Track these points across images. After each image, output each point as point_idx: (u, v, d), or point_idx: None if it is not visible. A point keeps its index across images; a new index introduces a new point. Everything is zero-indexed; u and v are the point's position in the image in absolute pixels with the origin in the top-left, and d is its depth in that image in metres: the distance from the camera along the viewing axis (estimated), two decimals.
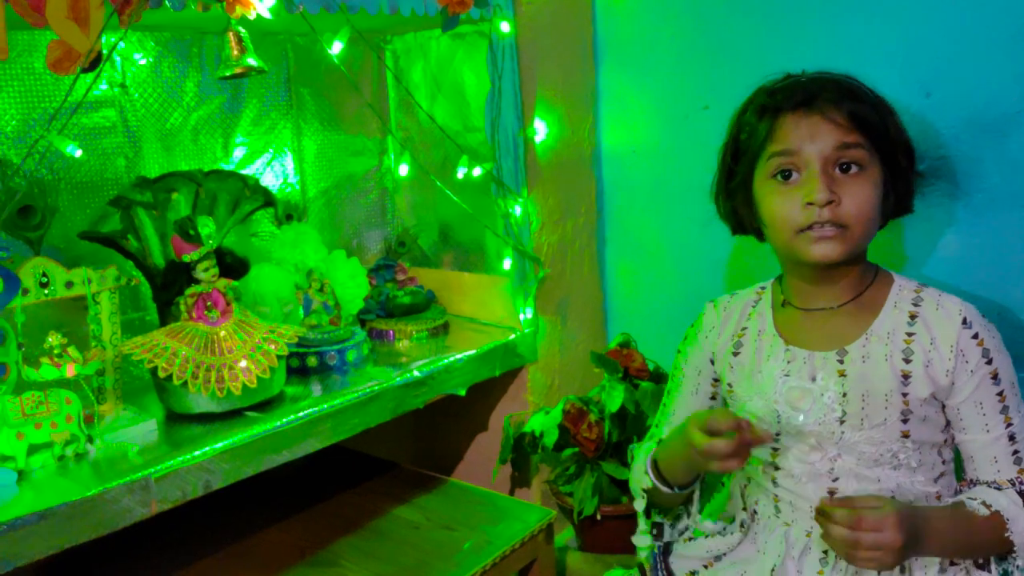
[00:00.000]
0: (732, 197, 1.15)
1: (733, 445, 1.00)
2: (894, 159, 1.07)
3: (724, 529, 1.20)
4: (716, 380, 1.22)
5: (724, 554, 1.17)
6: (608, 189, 1.82)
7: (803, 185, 1.03)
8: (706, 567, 1.18)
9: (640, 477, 1.19)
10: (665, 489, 1.15)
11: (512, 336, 1.62)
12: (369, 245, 1.88)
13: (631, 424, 1.55)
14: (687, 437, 1.05)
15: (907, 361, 1.04)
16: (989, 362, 1.03)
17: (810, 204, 1.02)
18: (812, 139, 1.03)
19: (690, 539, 1.22)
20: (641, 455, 1.21)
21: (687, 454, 1.07)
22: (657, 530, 1.23)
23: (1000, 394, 1.03)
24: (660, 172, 1.72)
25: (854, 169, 1.03)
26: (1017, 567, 1.05)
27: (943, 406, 1.06)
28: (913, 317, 1.06)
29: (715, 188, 1.19)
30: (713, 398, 1.24)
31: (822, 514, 0.98)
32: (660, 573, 1.21)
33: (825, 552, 1.08)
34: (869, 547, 0.95)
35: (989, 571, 1.05)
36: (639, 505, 1.21)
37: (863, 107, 1.04)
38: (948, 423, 1.07)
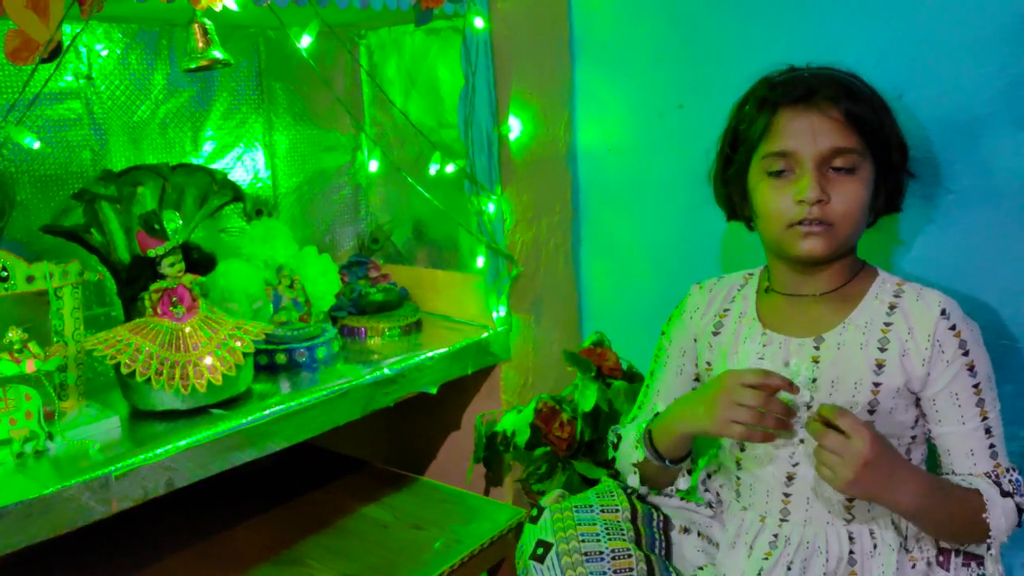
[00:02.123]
0: (728, 184, 1.18)
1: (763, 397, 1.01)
2: (887, 157, 1.09)
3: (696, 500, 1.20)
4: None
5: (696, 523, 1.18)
6: (584, 187, 1.81)
7: (796, 182, 1.05)
8: (686, 531, 1.18)
9: (630, 452, 1.19)
10: (657, 462, 1.15)
11: (485, 334, 1.61)
12: (342, 242, 1.86)
13: (604, 423, 1.54)
14: (723, 380, 1.04)
15: (882, 350, 1.05)
16: (966, 354, 1.04)
17: (801, 201, 1.04)
18: (808, 139, 1.04)
19: (669, 496, 1.21)
20: (630, 431, 1.22)
21: (693, 417, 1.07)
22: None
23: (976, 387, 1.04)
24: (636, 170, 1.72)
25: (846, 170, 1.05)
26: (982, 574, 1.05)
27: (917, 400, 1.06)
28: (892, 308, 1.07)
29: (712, 173, 1.21)
30: (697, 379, 1.25)
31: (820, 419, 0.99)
32: (653, 517, 1.19)
33: (775, 536, 1.09)
34: (832, 449, 0.95)
35: (948, 570, 1.05)
36: (632, 481, 1.20)
37: (860, 106, 1.06)
38: (918, 420, 1.08)
